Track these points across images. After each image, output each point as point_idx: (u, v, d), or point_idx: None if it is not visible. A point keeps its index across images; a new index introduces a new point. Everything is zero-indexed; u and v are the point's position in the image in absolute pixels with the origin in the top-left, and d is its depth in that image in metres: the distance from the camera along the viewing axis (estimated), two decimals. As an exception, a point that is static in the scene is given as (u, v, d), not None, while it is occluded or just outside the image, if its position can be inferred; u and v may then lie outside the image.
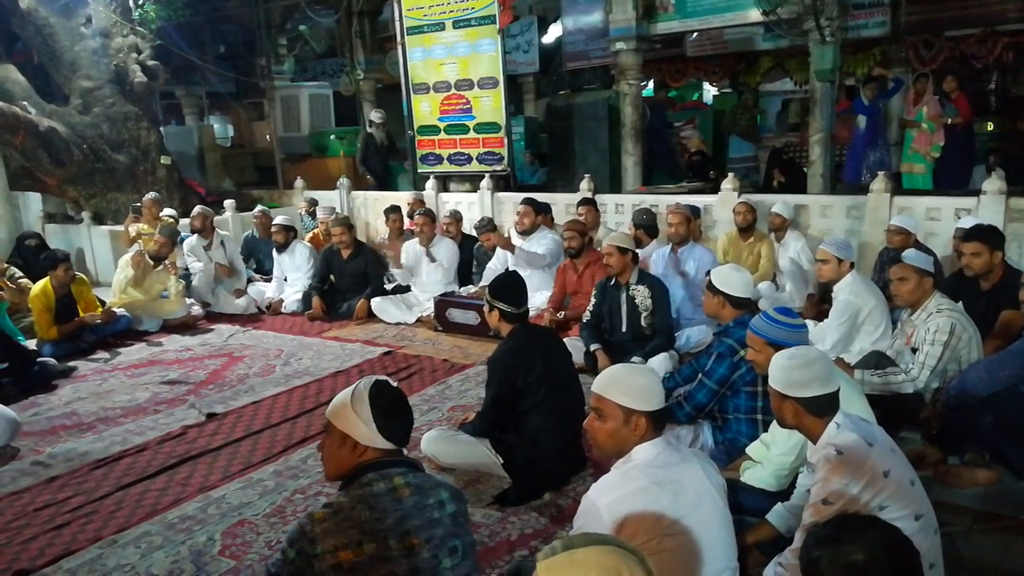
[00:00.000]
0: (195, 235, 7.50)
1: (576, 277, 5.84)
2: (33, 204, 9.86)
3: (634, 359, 4.71)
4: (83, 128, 9.09)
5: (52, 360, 5.67)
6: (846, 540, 1.59)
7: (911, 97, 8.95)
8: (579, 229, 5.83)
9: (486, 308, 3.74)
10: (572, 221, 6.05)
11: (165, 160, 9.82)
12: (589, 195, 7.54)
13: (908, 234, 5.38)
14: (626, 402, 2.14)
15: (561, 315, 5.82)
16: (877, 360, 3.91)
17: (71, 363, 5.80)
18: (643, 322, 4.90)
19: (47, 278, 6.04)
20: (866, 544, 1.56)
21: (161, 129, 10.61)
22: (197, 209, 7.66)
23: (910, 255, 3.86)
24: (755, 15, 8.28)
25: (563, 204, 7.92)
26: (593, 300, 5.13)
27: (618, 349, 4.91)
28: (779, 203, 6.46)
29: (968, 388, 3.27)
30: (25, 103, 8.61)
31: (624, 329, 4.97)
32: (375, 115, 10.17)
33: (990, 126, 11.00)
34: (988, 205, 5.81)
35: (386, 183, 10.44)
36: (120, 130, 9.38)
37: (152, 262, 6.76)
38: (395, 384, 2.18)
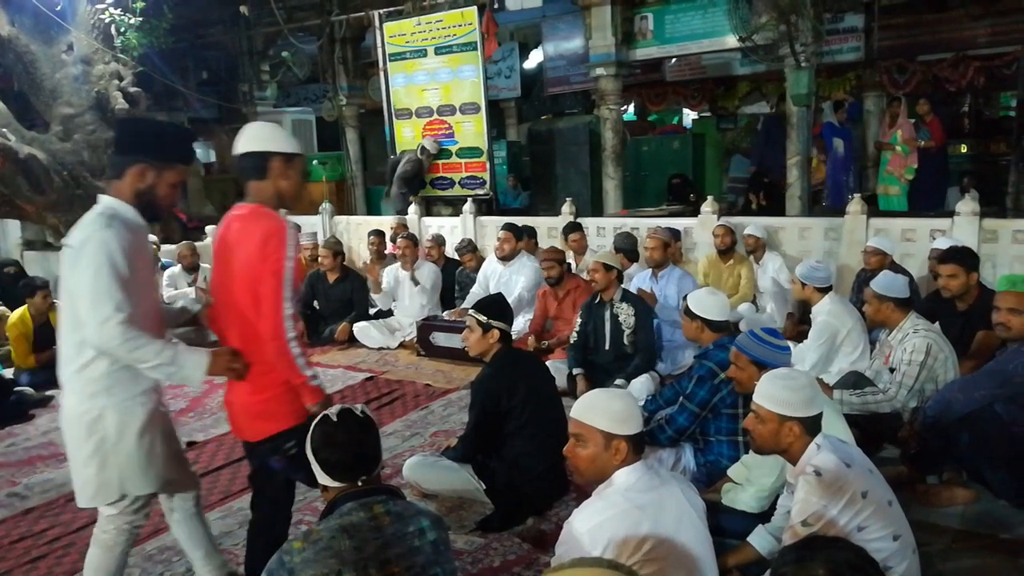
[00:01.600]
0: (180, 267, 7.52)
1: (557, 303, 5.86)
2: (12, 231, 9.78)
3: (617, 382, 4.73)
4: (63, 155, 9.04)
5: (29, 389, 5.61)
6: (809, 558, 1.61)
7: (886, 120, 9.12)
8: (557, 258, 5.80)
9: (476, 332, 3.58)
10: (550, 250, 6.01)
11: (146, 186, 9.77)
12: (575, 220, 7.57)
13: (884, 255, 5.47)
14: (606, 427, 2.14)
15: (545, 344, 5.80)
16: (855, 380, 3.96)
17: (49, 392, 5.72)
18: (626, 340, 4.94)
19: (25, 306, 5.99)
20: (829, 561, 1.59)
21: (142, 155, 10.56)
22: (185, 245, 7.69)
23: (878, 280, 3.93)
24: (732, 41, 8.43)
25: (545, 228, 7.97)
26: (579, 321, 5.15)
27: (601, 372, 4.93)
28: (751, 225, 6.57)
29: (945, 408, 3.30)
30: (4, 130, 8.55)
31: (607, 347, 5.00)
32: (429, 143, 9.59)
33: (963, 148, 11.22)
34: (962, 226, 5.91)
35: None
36: (101, 156, 9.33)
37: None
38: (359, 412, 2.12)
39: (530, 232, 7.22)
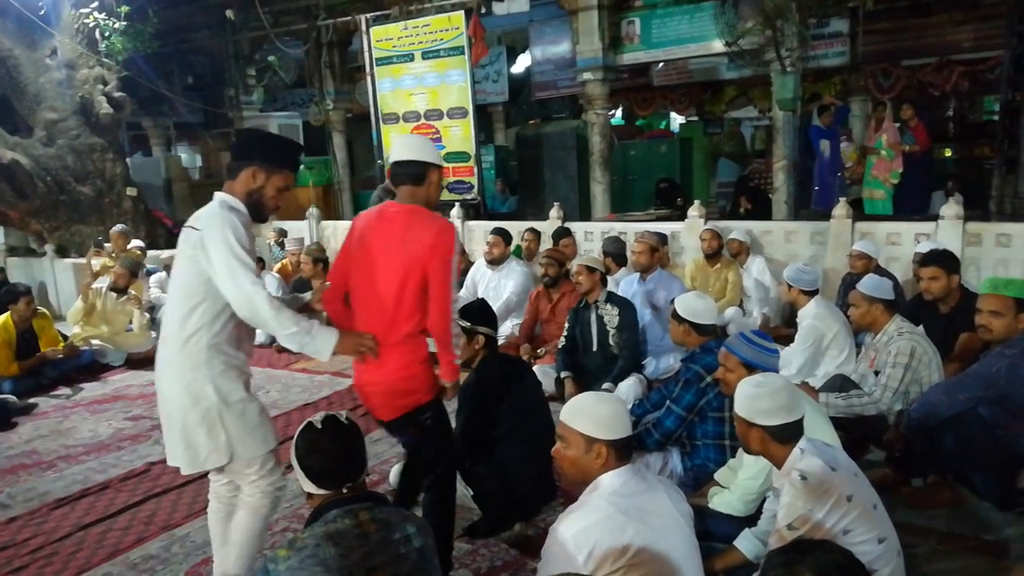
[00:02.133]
0: (166, 271, 7.47)
1: (550, 306, 5.83)
2: (-6, 237, 9.69)
3: (604, 386, 4.73)
4: (47, 160, 8.98)
5: (12, 397, 5.54)
6: (798, 561, 1.62)
7: (871, 125, 9.17)
8: (558, 258, 5.81)
9: (461, 338, 3.43)
10: (552, 250, 6.07)
11: (131, 191, 9.73)
12: (564, 225, 7.55)
13: (870, 259, 5.49)
14: (588, 430, 2.14)
15: (542, 351, 5.70)
16: (841, 383, 3.97)
17: (32, 400, 5.68)
18: (611, 341, 4.95)
19: (8, 312, 5.93)
20: (816, 564, 1.60)
21: (127, 160, 10.51)
22: (170, 252, 7.63)
23: (864, 282, 3.96)
24: (718, 46, 8.47)
25: (534, 232, 7.95)
26: (567, 325, 5.17)
27: (589, 376, 4.93)
28: (736, 230, 6.61)
29: (929, 410, 3.32)
30: (-13, 135, 8.52)
31: (595, 349, 5.01)
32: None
33: (948, 152, 11.29)
34: (946, 230, 5.95)
35: None
36: (85, 162, 9.28)
37: (114, 294, 6.68)
38: (344, 419, 2.13)
39: (536, 234, 7.27)
